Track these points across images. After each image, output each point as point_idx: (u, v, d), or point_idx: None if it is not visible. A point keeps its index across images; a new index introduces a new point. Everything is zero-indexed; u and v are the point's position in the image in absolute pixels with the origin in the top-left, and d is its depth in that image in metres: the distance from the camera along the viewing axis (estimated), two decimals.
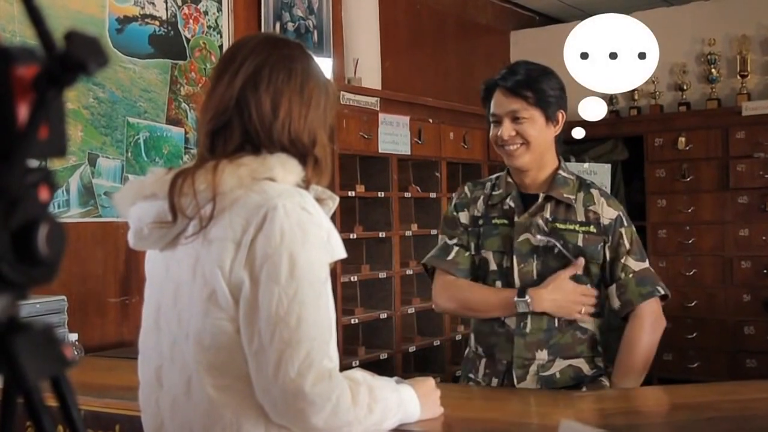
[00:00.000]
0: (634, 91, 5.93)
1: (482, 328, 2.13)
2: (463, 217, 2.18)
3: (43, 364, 0.62)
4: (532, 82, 2.06)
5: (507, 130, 2.06)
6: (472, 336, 2.20)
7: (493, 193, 2.17)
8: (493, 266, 2.10)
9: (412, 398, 1.42)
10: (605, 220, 2.08)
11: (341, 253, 1.27)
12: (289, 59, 1.32)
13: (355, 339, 4.18)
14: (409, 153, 4.48)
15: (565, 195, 2.09)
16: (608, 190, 6.13)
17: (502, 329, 2.07)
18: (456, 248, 2.16)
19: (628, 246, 2.08)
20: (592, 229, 2.07)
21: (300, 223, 1.21)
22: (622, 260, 2.07)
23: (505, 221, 2.11)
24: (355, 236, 4.14)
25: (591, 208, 2.09)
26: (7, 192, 0.55)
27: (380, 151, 4.28)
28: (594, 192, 2.12)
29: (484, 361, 2.11)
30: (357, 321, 4.12)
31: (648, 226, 5.55)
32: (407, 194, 4.50)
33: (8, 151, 0.55)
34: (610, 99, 6.02)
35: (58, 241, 0.61)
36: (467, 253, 2.15)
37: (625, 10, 6.05)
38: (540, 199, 2.10)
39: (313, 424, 1.18)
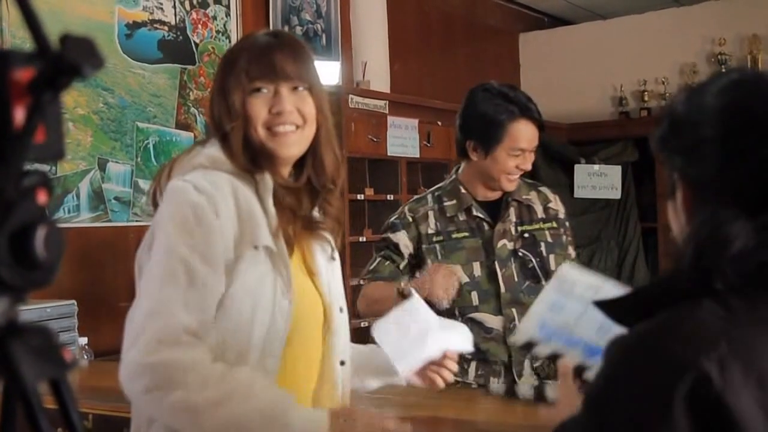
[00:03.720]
0: (644, 92, 5.91)
1: None
2: (402, 236, 2.18)
3: (42, 368, 0.62)
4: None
5: (529, 162, 2.14)
6: None
7: (444, 205, 2.17)
8: (465, 279, 2.09)
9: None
10: (561, 215, 2.22)
11: (211, 239, 1.20)
12: (228, 52, 1.38)
13: (365, 342, 4.17)
14: (418, 156, 4.47)
15: (524, 197, 2.19)
16: (618, 192, 6.11)
17: (490, 334, 2.09)
18: (378, 259, 2.20)
19: (571, 237, 2.24)
20: (554, 224, 2.19)
21: (176, 200, 1.22)
22: (568, 250, 2.21)
23: (467, 234, 2.13)
24: (364, 239, 4.14)
25: (549, 205, 2.21)
26: (3, 195, 0.55)
27: (389, 154, 4.28)
28: (543, 189, 2.25)
29: (474, 363, 2.11)
30: (367, 323, 4.11)
31: (659, 227, 5.52)
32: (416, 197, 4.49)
33: (3, 154, 0.55)
34: (620, 100, 5.99)
35: (56, 244, 0.61)
36: (387, 263, 2.18)
37: (635, 12, 6.05)
38: (505, 205, 2.16)
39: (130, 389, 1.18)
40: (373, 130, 4.19)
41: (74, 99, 3.37)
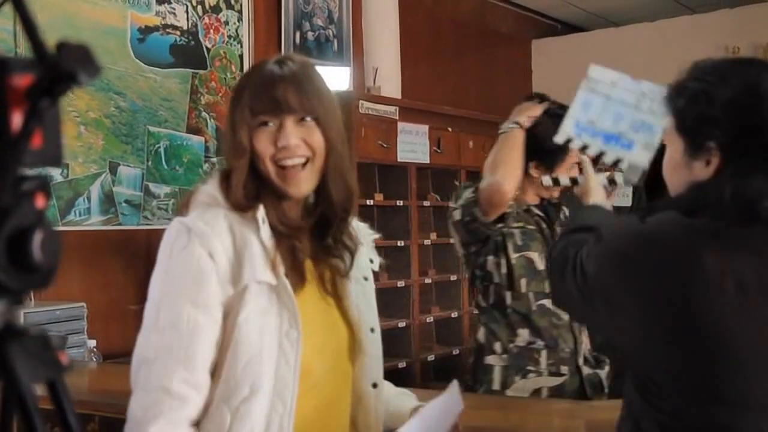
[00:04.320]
0: None
1: (541, 323, 2.21)
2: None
3: (38, 370, 0.63)
4: None
5: None
6: (526, 332, 2.22)
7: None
8: (540, 266, 2.21)
9: None
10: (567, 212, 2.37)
11: (205, 280, 1.21)
12: (236, 86, 1.38)
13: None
14: (428, 162, 4.48)
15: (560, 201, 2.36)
16: (629, 199, 6.12)
17: (560, 321, 2.19)
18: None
19: None
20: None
21: (170, 243, 1.24)
22: None
23: (534, 227, 2.28)
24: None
25: (563, 207, 2.37)
26: (0, 199, 0.56)
27: (399, 159, 4.29)
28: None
29: (545, 352, 2.20)
30: None
31: None
32: (426, 203, 4.49)
33: (0, 159, 0.55)
34: None
35: (54, 247, 0.62)
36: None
37: (648, 19, 6.03)
38: (558, 207, 2.33)
39: None
40: (383, 136, 4.20)
41: (86, 103, 3.40)
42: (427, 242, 4.48)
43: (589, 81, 1.59)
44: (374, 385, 1.36)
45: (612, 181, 1.62)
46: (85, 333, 2.85)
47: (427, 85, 5.31)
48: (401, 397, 1.47)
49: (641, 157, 1.53)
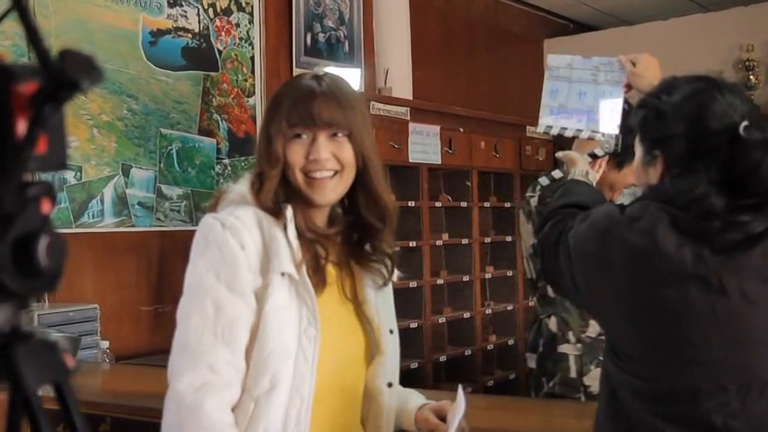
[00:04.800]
0: None
1: None
2: None
3: (44, 373, 0.64)
4: None
5: None
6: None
7: None
8: None
9: None
10: None
11: (239, 276, 1.27)
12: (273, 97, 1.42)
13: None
14: (439, 162, 4.47)
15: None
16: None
17: None
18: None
19: None
20: None
21: (204, 235, 1.30)
22: None
23: None
24: None
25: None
26: (4, 204, 0.57)
27: (410, 160, 4.29)
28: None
29: None
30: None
31: None
32: (438, 204, 4.49)
33: (4, 165, 0.56)
34: None
35: (59, 252, 0.62)
36: None
37: (661, 17, 6.00)
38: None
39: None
40: (394, 137, 4.20)
41: (99, 106, 3.42)
42: (438, 243, 4.47)
43: (550, 69, 1.78)
44: (389, 385, 1.40)
45: (593, 155, 1.71)
46: (98, 334, 2.87)
47: (439, 85, 5.31)
48: (407, 396, 1.51)
49: (611, 125, 1.71)
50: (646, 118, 1.36)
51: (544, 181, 2.15)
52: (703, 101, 1.29)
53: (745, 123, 1.26)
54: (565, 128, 1.74)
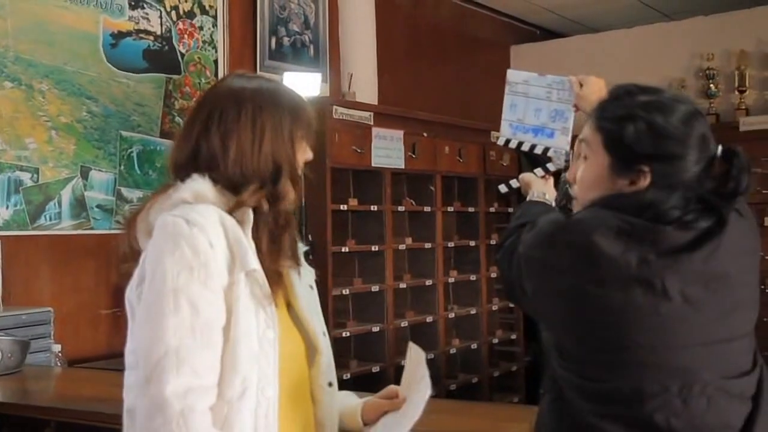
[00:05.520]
0: None
1: None
2: None
3: None
4: None
5: None
6: None
7: None
8: None
9: None
10: None
11: (213, 271, 1.24)
12: (240, 99, 1.37)
13: (347, 352, 4.19)
14: (403, 167, 4.50)
15: None
16: None
17: None
18: None
19: None
20: None
21: (171, 234, 1.24)
22: None
23: None
24: (347, 249, 4.16)
25: None
26: None
27: (374, 164, 4.30)
28: None
29: None
30: (349, 334, 4.13)
31: None
32: (401, 208, 4.51)
33: None
34: None
35: None
36: None
37: (626, 25, 6.09)
38: None
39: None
40: (357, 141, 4.21)
41: (58, 107, 3.40)
42: (402, 247, 4.50)
43: (510, 84, 1.89)
44: (330, 384, 1.42)
45: (545, 169, 1.78)
46: (52, 337, 2.85)
47: (406, 90, 5.33)
48: (346, 397, 1.53)
49: (562, 142, 1.82)
50: (640, 133, 1.34)
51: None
52: (703, 126, 1.36)
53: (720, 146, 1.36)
54: (522, 142, 1.86)
